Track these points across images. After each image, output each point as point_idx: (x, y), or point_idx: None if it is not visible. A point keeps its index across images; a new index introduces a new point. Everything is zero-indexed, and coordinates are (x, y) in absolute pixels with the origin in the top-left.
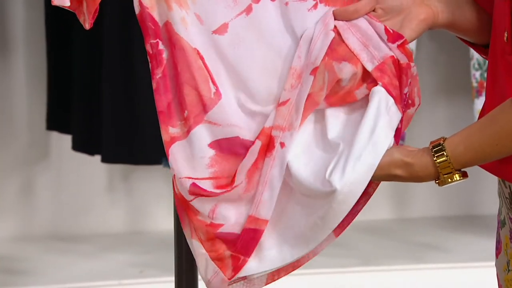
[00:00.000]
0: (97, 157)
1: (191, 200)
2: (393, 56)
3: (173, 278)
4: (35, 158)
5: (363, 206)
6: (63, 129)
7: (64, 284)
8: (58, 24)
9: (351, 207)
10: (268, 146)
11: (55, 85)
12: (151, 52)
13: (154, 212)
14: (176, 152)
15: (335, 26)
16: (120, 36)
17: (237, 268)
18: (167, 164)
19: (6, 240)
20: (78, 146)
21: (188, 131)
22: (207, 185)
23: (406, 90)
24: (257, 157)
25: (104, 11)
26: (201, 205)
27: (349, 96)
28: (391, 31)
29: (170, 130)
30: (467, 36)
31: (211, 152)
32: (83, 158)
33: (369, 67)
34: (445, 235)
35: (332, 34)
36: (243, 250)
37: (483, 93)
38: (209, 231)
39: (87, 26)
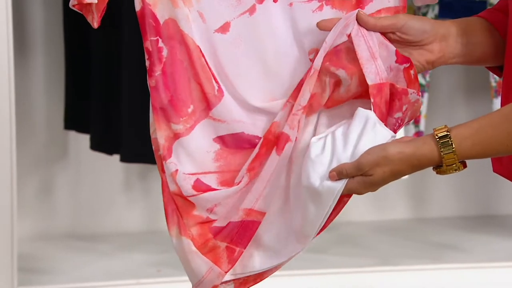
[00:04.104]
0: (115, 157)
1: (192, 196)
2: (393, 83)
3: None
4: (53, 158)
5: (337, 214)
6: (81, 129)
7: (82, 283)
8: (77, 23)
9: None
10: (277, 144)
11: (74, 84)
12: (150, 50)
13: None
14: (179, 148)
15: (349, 34)
16: (138, 35)
17: (232, 260)
18: None
19: (25, 238)
20: (96, 145)
21: (192, 127)
22: (211, 180)
23: (398, 115)
24: (258, 153)
25: (121, 9)
26: (202, 201)
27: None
28: (401, 55)
29: (172, 126)
30: (486, 65)
31: (216, 146)
32: (101, 157)
33: (370, 80)
34: (463, 235)
35: (345, 38)
36: (239, 241)
37: None
38: (204, 226)
39: (95, 25)
